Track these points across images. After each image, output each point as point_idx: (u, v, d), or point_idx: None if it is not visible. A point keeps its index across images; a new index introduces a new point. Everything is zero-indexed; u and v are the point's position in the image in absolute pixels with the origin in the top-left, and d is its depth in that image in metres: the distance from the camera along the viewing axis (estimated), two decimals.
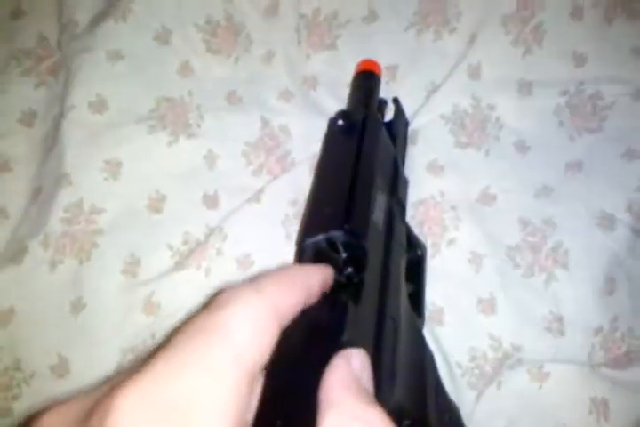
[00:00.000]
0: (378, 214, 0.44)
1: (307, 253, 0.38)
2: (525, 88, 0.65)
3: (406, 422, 0.31)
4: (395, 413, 0.24)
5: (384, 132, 0.55)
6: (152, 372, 0.20)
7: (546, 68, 0.65)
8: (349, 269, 0.35)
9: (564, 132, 0.64)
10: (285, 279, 0.27)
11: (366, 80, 0.62)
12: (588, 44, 0.65)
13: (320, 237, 0.37)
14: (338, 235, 0.37)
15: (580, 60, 0.65)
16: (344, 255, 0.37)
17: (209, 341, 0.21)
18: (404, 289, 0.44)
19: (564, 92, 0.65)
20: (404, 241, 0.50)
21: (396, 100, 0.62)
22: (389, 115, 0.62)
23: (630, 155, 0.63)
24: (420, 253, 0.54)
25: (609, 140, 0.64)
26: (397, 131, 0.59)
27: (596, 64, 0.65)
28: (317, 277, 0.29)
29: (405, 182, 0.58)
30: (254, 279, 0.25)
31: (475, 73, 0.65)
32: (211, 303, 0.23)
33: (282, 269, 0.28)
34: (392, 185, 0.52)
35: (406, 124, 0.63)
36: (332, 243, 0.37)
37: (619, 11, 0.65)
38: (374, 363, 0.26)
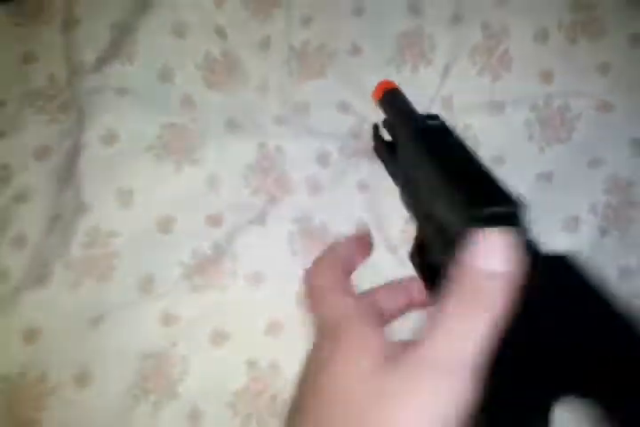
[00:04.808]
0: None
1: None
2: (496, 108, 0.71)
3: None
4: None
5: None
6: None
7: (515, 89, 0.71)
8: None
9: (534, 144, 0.70)
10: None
11: (399, 97, 0.62)
12: (553, 63, 0.71)
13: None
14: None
15: (547, 76, 0.71)
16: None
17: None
18: None
19: (534, 107, 0.71)
20: None
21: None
22: None
23: (596, 162, 0.68)
24: None
25: (576, 149, 0.69)
26: None
27: (563, 80, 0.71)
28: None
29: None
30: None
31: (447, 103, 0.71)
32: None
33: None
34: None
35: None
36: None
37: (579, 32, 0.71)
38: None
